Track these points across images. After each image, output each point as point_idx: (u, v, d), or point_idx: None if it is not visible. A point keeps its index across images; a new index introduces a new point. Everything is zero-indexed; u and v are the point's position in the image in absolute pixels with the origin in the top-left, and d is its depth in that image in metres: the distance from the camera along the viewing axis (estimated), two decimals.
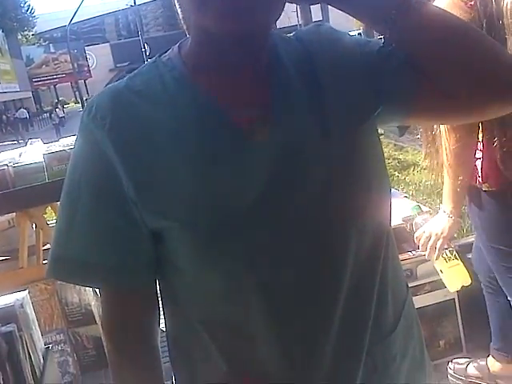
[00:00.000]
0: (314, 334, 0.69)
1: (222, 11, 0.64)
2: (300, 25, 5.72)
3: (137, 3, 26.19)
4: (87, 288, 2.09)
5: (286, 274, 0.69)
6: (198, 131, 0.69)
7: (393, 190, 1.29)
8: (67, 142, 2.06)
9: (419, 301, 2.04)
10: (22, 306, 0.88)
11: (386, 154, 0.89)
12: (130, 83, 0.73)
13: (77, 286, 2.08)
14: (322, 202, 0.70)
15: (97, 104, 0.71)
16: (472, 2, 1.41)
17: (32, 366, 0.88)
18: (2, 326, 0.81)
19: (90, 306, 2.08)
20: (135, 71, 0.75)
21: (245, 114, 0.70)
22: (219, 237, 0.67)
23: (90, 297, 2.06)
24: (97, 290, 2.27)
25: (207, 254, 0.68)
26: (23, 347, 0.84)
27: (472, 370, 2.09)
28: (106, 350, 0.76)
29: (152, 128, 0.69)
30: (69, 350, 2.01)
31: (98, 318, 2.08)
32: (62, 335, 2.01)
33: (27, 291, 0.94)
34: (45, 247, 2.79)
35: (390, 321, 0.75)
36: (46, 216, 2.95)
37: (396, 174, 5.13)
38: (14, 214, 2.78)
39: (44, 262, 2.74)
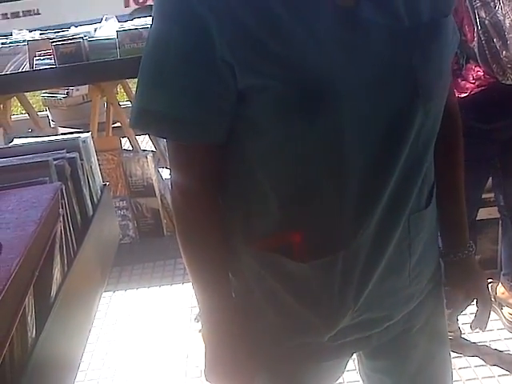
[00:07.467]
0: (370, 197, 0.75)
1: None
2: None
3: None
4: (149, 163, 2.26)
5: (363, 144, 0.72)
6: None
7: None
8: (140, 22, 2.15)
9: None
10: (84, 141, 1.00)
11: None
12: None
13: (140, 160, 2.26)
14: (408, 79, 0.71)
15: None
16: None
17: (91, 193, 1.02)
18: (67, 152, 0.94)
19: (152, 180, 2.26)
20: None
21: None
22: (314, 99, 0.67)
23: (151, 171, 2.24)
24: (159, 169, 2.46)
25: (297, 114, 0.68)
26: (84, 174, 0.97)
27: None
28: (171, 202, 0.80)
29: None
30: (130, 216, 2.22)
31: (157, 192, 2.27)
32: (124, 202, 2.22)
33: (90, 133, 1.06)
34: (114, 125, 2.98)
35: (425, 197, 0.84)
36: (117, 95, 3.11)
37: None
38: (87, 88, 2.96)
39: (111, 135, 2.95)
